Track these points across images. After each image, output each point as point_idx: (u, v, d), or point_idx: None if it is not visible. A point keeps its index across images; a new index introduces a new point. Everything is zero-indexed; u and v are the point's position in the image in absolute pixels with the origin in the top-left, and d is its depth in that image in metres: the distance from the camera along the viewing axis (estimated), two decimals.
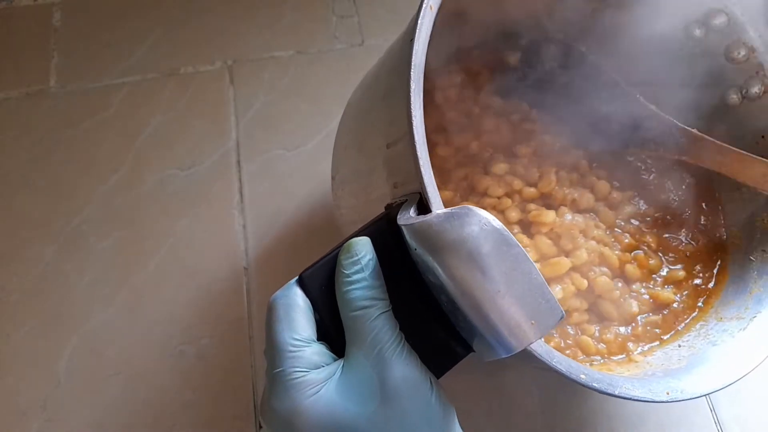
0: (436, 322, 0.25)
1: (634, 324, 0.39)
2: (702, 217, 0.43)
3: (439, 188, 0.38)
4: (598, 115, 0.42)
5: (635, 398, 0.28)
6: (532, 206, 0.39)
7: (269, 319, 0.25)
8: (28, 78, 0.55)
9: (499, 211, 0.39)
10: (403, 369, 0.23)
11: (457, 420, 0.25)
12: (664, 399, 0.29)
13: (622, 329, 0.38)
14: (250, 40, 0.58)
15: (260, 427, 0.43)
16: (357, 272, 0.24)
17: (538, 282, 0.22)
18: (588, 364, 0.36)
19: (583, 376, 0.26)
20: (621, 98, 0.42)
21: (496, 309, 0.22)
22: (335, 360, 0.25)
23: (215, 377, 0.44)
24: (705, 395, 0.30)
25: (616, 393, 0.27)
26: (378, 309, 0.24)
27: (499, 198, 0.39)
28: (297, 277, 0.26)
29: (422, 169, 0.25)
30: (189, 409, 0.43)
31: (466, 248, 0.22)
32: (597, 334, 0.38)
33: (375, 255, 0.25)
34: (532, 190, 0.40)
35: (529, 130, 0.43)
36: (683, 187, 0.43)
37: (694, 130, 0.40)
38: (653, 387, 0.29)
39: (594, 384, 0.27)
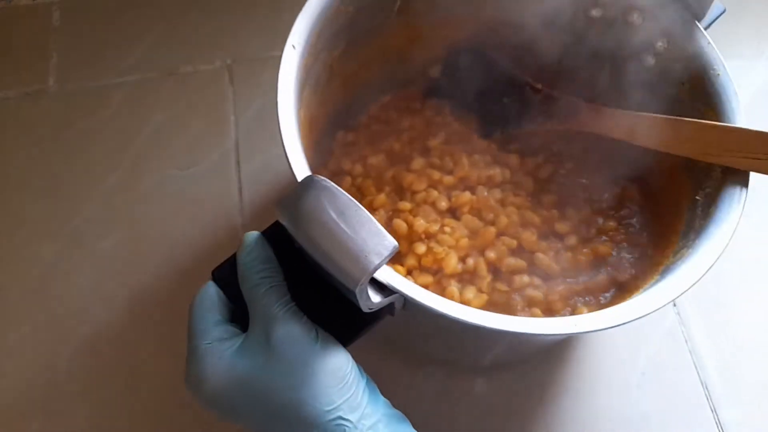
0: (328, 293, 0.29)
1: (583, 280, 0.40)
2: (620, 168, 0.44)
3: (375, 193, 0.42)
4: (502, 103, 0.46)
5: (529, 333, 0.28)
6: (456, 192, 0.42)
7: (189, 313, 0.29)
8: (28, 78, 0.55)
9: (430, 204, 0.41)
10: (287, 326, 0.27)
11: (351, 362, 0.28)
12: (572, 330, 0.28)
13: (562, 286, 0.39)
14: (250, 40, 0.58)
15: None
16: (250, 259, 0.29)
17: (368, 219, 0.25)
18: None
19: (464, 317, 0.28)
20: (515, 85, 0.46)
21: (335, 248, 0.25)
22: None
23: None
24: (617, 326, 0.29)
25: (507, 329, 0.28)
26: (268, 283, 0.28)
27: (426, 191, 0.42)
28: (211, 275, 0.31)
29: (286, 147, 0.33)
30: (189, 409, 0.43)
31: (303, 205, 0.26)
32: (543, 298, 0.39)
33: (263, 242, 0.30)
34: (450, 177, 0.42)
35: (440, 123, 0.46)
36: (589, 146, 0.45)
37: (574, 98, 0.43)
38: (561, 324, 0.29)
39: (478, 322, 0.28)
